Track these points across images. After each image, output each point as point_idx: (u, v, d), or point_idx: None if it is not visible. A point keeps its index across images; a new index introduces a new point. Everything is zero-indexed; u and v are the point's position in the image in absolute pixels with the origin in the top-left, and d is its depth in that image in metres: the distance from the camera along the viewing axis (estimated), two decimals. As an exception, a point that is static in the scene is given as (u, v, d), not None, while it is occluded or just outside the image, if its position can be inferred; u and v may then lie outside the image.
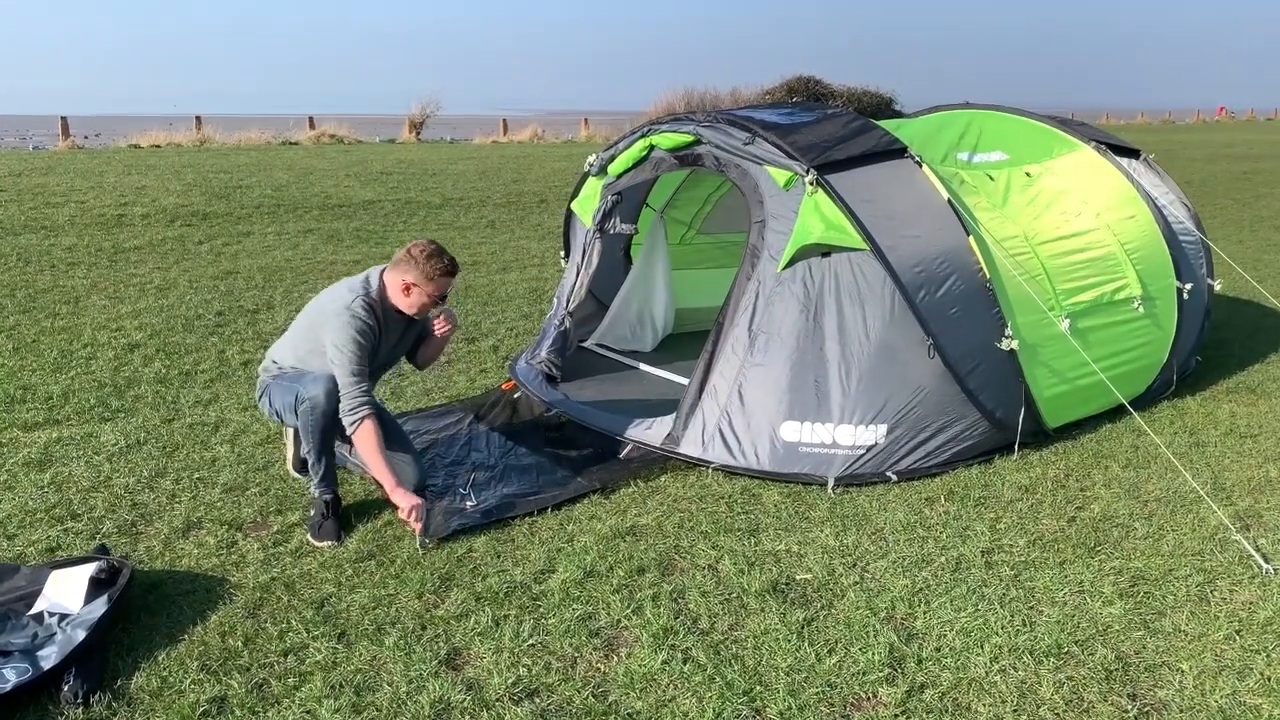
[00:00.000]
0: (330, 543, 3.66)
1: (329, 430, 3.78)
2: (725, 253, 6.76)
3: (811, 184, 4.24)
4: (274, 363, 3.99)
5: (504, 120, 28.54)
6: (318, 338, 3.79)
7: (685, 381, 5.15)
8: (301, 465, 3.96)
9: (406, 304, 3.83)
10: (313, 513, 3.81)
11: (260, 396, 3.99)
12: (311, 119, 24.98)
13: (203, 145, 21.12)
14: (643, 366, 5.79)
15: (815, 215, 4.22)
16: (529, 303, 7.74)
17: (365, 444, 3.67)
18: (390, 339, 3.95)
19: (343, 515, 3.83)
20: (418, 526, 3.62)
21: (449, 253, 3.83)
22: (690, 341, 6.07)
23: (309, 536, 3.70)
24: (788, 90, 29.94)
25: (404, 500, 3.65)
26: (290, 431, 4.15)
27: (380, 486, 3.81)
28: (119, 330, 6.57)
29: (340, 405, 3.69)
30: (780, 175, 4.37)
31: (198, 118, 23.40)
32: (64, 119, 22.28)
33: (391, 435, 3.96)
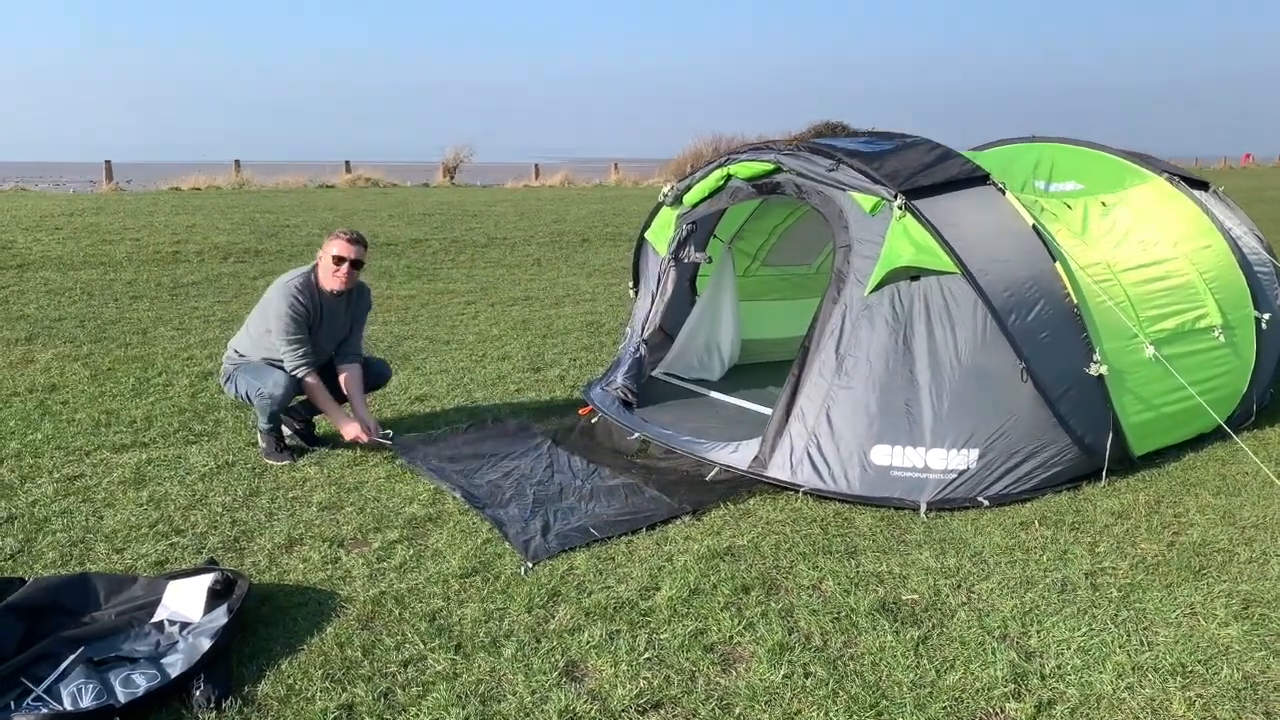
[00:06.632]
0: (287, 462, 4.65)
1: (277, 414, 4.70)
2: (789, 285, 6.80)
3: (900, 209, 4.28)
4: (236, 353, 4.83)
5: (536, 165, 28.94)
6: (266, 318, 4.68)
7: (757, 408, 5.17)
8: (279, 441, 4.78)
9: (322, 269, 4.70)
10: (262, 444, 4.73)
11: (225, 381, 4.81)
12: (348, 163, 25.42)
13: (242, 187, 21.51)
14: (713, 394, 5.81)
15: (904, 239, 4.26)
16: (588, 334, 7.80)
17: (312, 392, 4.71)
18: (325, 319, 4.76)
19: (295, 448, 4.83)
20: (363, 438, 4.75)
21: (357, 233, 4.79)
22: (756, 372, 6.11)
23: (264, 459, 4.68)
24: (815, 135, 30.23)
25: (348, 429, 4.73)
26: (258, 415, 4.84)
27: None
28: (190, 359, 6.66)
29: (285, 364, 4.65)
30: (866, 201, 4.42)
31: (236, 161, 23.87)
32: (108, 163, 22.79)
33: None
